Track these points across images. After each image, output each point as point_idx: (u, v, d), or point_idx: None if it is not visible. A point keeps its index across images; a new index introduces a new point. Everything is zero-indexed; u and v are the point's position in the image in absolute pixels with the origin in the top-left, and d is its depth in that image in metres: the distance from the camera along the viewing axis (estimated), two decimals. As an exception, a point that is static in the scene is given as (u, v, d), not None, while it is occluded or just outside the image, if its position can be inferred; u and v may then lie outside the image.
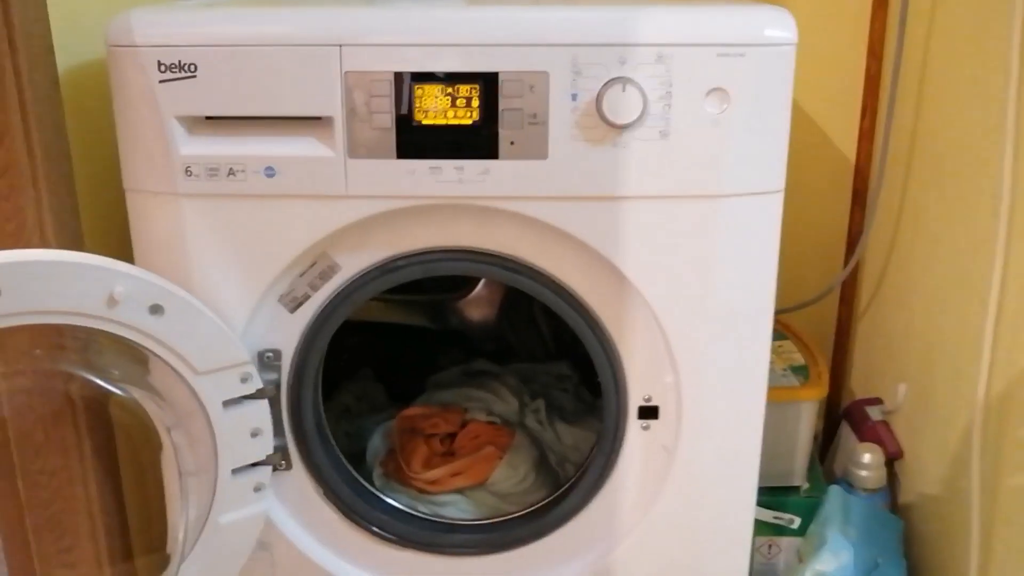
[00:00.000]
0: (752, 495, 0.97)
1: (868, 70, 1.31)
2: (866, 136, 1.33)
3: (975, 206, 1.03)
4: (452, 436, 1.12)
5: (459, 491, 1.07)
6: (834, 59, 1.32)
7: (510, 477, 1.07)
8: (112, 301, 0.78)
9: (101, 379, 0.82)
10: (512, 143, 0.82)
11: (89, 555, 0.94)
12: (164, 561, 0.93)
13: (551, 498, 0.99)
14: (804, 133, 1.34)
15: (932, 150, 1.17)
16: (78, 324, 0.77)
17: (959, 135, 1.09)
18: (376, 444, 1.14)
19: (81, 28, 0.93)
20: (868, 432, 1.26)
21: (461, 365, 1.25)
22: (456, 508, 1.06)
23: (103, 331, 0.79)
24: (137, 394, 0.83)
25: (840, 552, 1.06)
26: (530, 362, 1.26)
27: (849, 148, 1.35)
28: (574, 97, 0.81)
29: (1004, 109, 0.93)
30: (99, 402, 0.89)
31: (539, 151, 0.82)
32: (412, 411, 1.13)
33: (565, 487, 0.99)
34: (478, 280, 1.22)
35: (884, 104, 1.30)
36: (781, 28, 0.81)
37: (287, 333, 0.91)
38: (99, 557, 0.94)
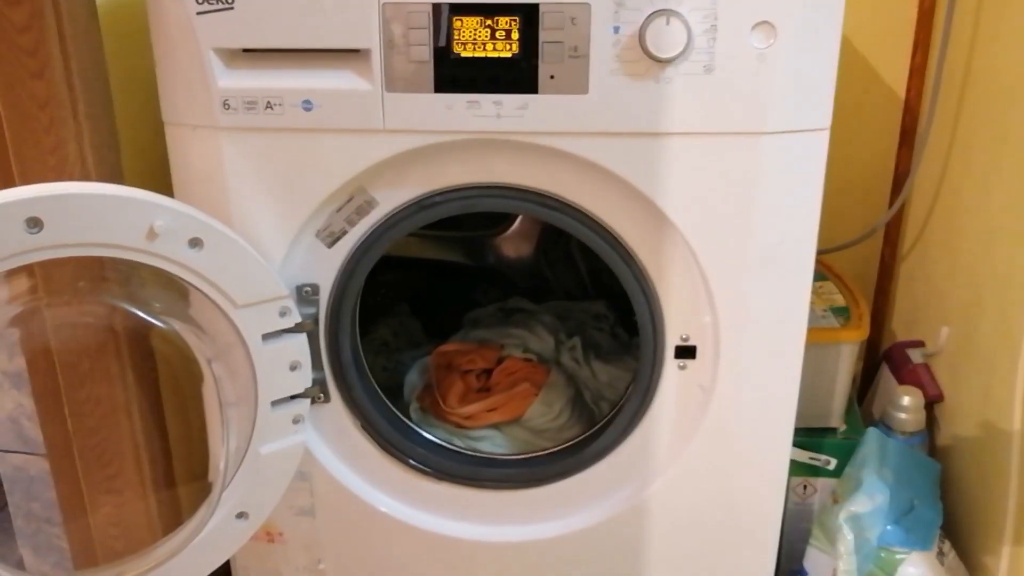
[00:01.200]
0: (788, 437, 0.96)
1: (921, 3, 1.27)
2: (917, 72, 1.29)
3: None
4: (488, 372, 1.12)
5: (495, 426, 1.08)
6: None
7: (545, 413, 1.08)
8: (152, 234, 0.78)
9: (143, 311, 0.83)
10: (552, 77, 0.81)
11: (133, 482, 0.96)
12: (206, 489, 0.95)
13: (586, 435, 1.00)
14: (852, 68, 1.31)
15: (986, 88, 1.13)
16: (119, 257, 0.78)
17: (1015, 74, 1.05)
18: (413, 379, 1.15)
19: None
20: (908, 375, 1.24)
21: (498, 302, 1.25)
22: (491, 443, 1.07)
23: (144, 264, 0.79)
24: (178, 326, 0.84)
25: (875, 494, 1.06)
26: (567, 300, 1.26)
27: (899, 84, 1.31)
28: (616, 30, 0.79)
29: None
30: (141, 333, 0.90)
31: (579, 86, 0.81)
32: (449, 347, 1.14)
33: (600, 424, 0.99)
34: (516, 217, 1.22)
35: (937, 39, 1.25)
36: (832, -42, 0.78)
37: (325, 268, 0.92)
38: (143, 484, 0.97)
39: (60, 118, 0.82)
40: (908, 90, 1.30)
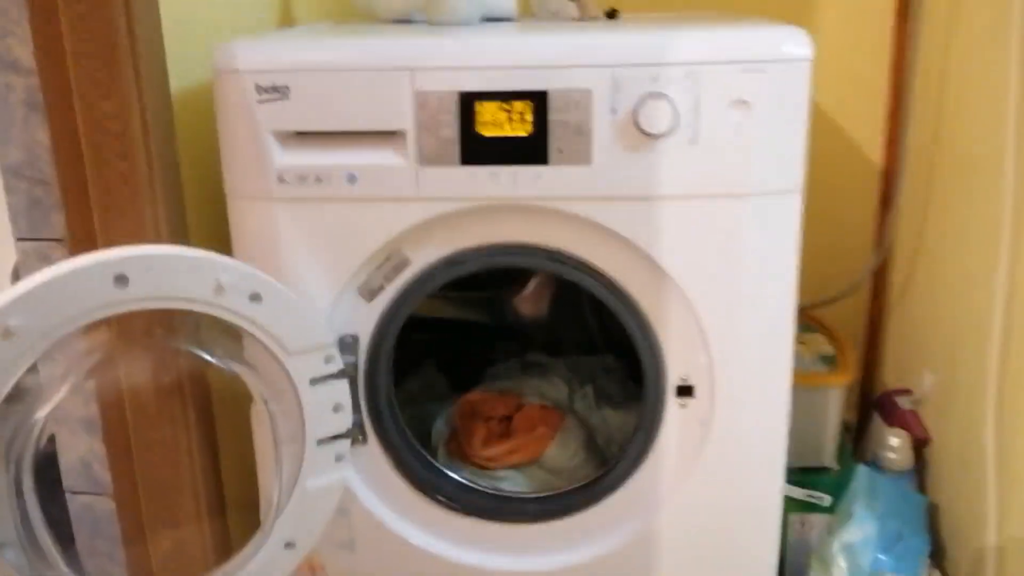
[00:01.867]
0: (781, 467, 1.07)
1: (893, 81, 1.41)
2: (892, 143, 1.42)
3: (993, 202, 1.12)
4: (508, 419, 1.23)
5: (515, 467, 1.18)
6: (859, 74, 1.42)
7: (561, 454, 1.18)
8: (219, 289, 0.91)
9: (210, 355, 0.95)
10: (560, 151, 0.94)
11: (190, 515, 1.07)
12: (254, 519, 1.06)
13: (601, 471, 1.10)
14: (833, 141, 1.44)
15: (953, 154, 1.26)
16: (190, 309, 0.91)
17: (976, 141, 1.18)
18: (440, 427, 1.26)
19: (184, 56, 1.07)
20: (897, 419, 1.34)
21: (516, 357, 1.37)
22: (512, 483, 1.17)
23: (209, 315, 0.92)
24: (238, 369, 0.96)
25: (865, 524, 1.15)
26: (579, 354, 1.37)
27: (876, 153, 1.44)
28: (613, 111, 0.93)
29: (1006, 114, 1.03)
30: (204, 376, 1.02)
31: (584, 158, 0.94)
32: (473, 396, 1.25)
33: (612, 461, 1.10)
34: (531, 277, 1.34)
35: (908, 114, 1.39)
36: (797, 45, 0.92)
37: (364, 320, 1.04)
38: (199, 516, 1.07)
39: (139, 192, 0.96)
40: (885, 157, 1.44)
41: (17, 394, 0.87)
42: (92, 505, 1.12)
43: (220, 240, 1.03)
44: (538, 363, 1.34)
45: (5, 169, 0.99)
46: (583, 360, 1.36)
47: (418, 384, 1.35)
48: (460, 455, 1.20)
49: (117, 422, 1.04)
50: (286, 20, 1.36)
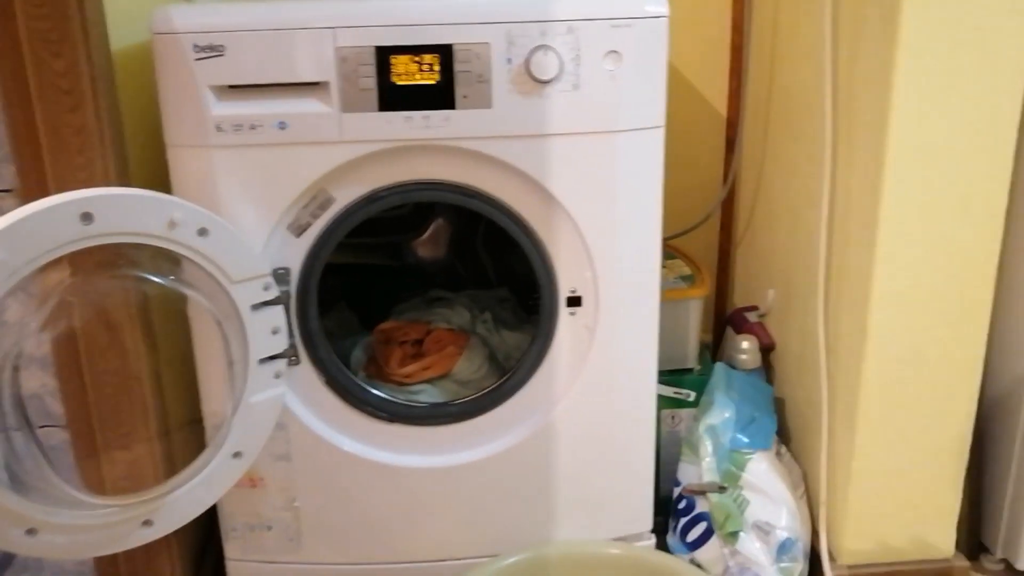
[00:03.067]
0: (654, 365, 1.27)
1: (733, 41, 1.64)
2: (734, 94, 1.66)
3: (816, 142, 1.36)
4: (419, 342, 1.39)
5: (429, 382, 1.35)
6: (705, 36, 1.65)
7: (468, 368, 1.36)
8: (172, 225, 1.03)
9: (167, 281, 1.07)
10: (465, 96, 1.11)
11: (142, 437, 1.18)
12: (196, 434, 1.19)
13: (503, 378, 1.28)
14: (685, 95, 1.67)
15: (783, 103, 1.50)
16: (147, 243, 1.03)
17: (799, 89, 1.42)
18: (358, 355, 1.41)
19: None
20: (746, 329, 1.59)
21: (420, 295, 1.53)
22: (427, 395, 1.34)
23: (162, 248, 1.04)
24: (193, 294, 1.09)
25: (725, 409, 1.38)
26: (476, 289, 1.55)
27: (721, 104, 1.68)
28: (509, 61, 1.10)
29: (823, 65, 1.26)
30: (147, 308, 1.13)
31: (485, 102, 1.11)
32: (387, 325, 1.41)
33: (515, 365, 1.28)
34: (431, 222, 1.50)
35: (746, 69, 1.63)
36: (657, 5, 1.12)
37: (294, 254, 1.18)
38: (149, 437, 1.19)
39: (90, 143, 1.06)
40: (728, 108, 1.67)
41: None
42: (45, 437, 1.21)
43: (158, 185, 1.14)
44: (441, 297, 1.51)
45: (-46, 126, 1.08)
46: (480, 293, 1.53)
47: (333, 322, 1.49)
48: (379, 377, 1.36)
49: (70, 357, 1.14)
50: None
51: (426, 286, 1.55)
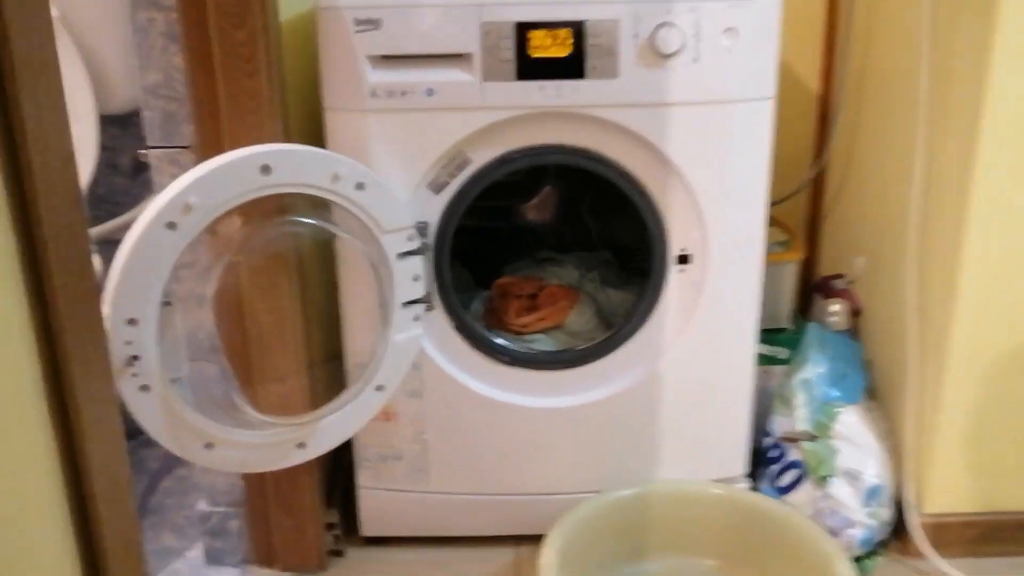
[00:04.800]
0: (755, 320, 1.38)
1: (828, 24, 1.73)
2: (828, 73, 1.75)
3: (907, 121, 1.45)
4: (533, 296, 1.51)
5: (543, 332, 1.47)
6: (801, 16, 1.74)
7: (579, 320, 1.47)
8: (335, 178, 1.17)
9: (328, 224, 1.21)
10: (594, 68, 1.22)
11: (292, 370, 1.32)
12: (335, 369, 1.32)
13: (617, 326, 1.39)
14: (782, 72, 1.75)
15: (875, 81, 1.59)
16: (314, 194, 1.16)
17: (892, 69, 1.51)
18: (476, 307, 1.53)
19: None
20: (834, 294, 1.68)
21: (529, 256, 1.65)
22: (542, 344, 1.46)
23: (317, 198, 1.17)
24: (357, 241, 1.22)
25: (818, 365, 1.48)
26: (581, 252, 1.66)
27: (815, 82, 1.77)
28: (635, 36, 1.21)
29: (920, 43, 1.35)
30: (300, 253, 1.27)
31: (612, 73, 1.22)
32: (504, 280, 1.53)
33: (626, 317, 1.39)
34: (542, 188, 1.62)
35: (841, 50, 1.72)
36: (772, -13, 1.22)
37: (433, 209, 1.31)
38: (299, 370, 1.33)
39: (262, 105, 1.20)
40: (822, 87, 1.76)
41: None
42: (201, 369, 1.36)
43: (311, 144, 1.28)
44: (550, 258, 1.63)
45: (144, 89, 1.22)
46: (585, 256, 1.65)
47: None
48: (497, 326, 1.48)
49: (234, 296, 1.28)
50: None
51: (534, 248, 1.67)
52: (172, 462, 1.71)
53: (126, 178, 1.93)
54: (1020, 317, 1.33)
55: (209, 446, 1.17)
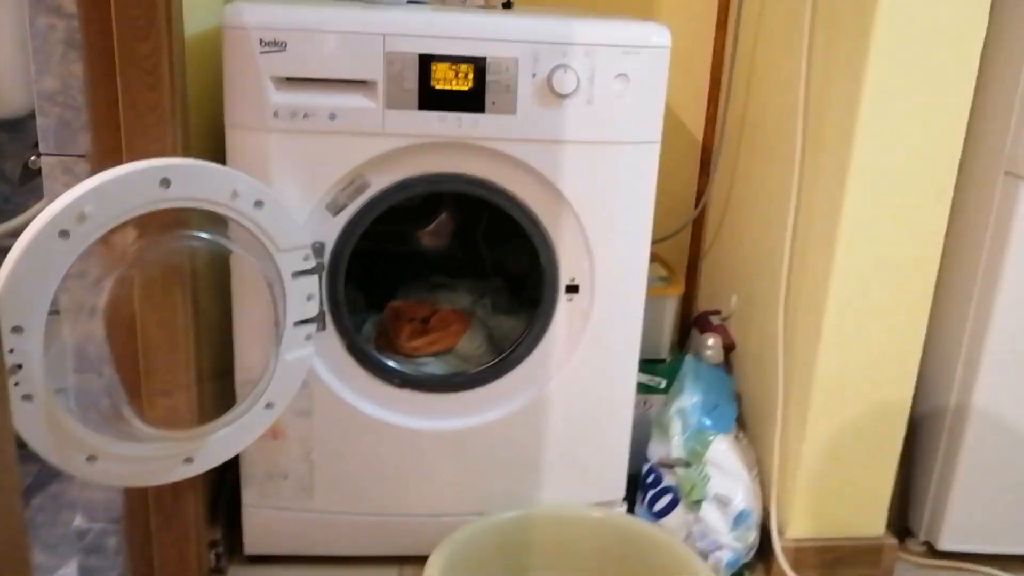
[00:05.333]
0: (637, 349, 1.45)
1: (712, 75, 1.84)
2: (711, 122, 1.85)
3: (782, 169, 1.56)
4: (426, 320, 1.55)
5: (435, 355, 1.50)
6: (687, 70, 1.84)
7: (471, 345, 1.52)
8: (235, 195, 1.18)
9: (223, 240, 1.22)
10: (494, 103, 1.28)
11: (182, 384, 1.32)
12: (224, 386, 1.32)
13: (507, 351, 1.44)
14: (666, 119, 1.85)
15: (754, 130, 1.70)
16: (213, 210, 1.17)
17: (771, 119, 1.62)
18: (368, 329, 1.56)
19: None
20: (710, 329, 1.77)
21: (423, 279, 1.68)
22: (432, 368, 1.49)
23: (212, 213, 1.18)
24: (252, 258, 1.23)
25: (693, 394, 1.56)
26: (474, 278, 1.71)
27: (698, 130, 1.87)
28: (533, 75, 1.27)
29: (796, 100, 1.46)
30: (193, 268, 1.27)
31: (511, 108, 1.28)
32: (398, 303, 1.56)
33: (516, 342, 1.44)
34: (437, 215, 1.66)
35: (723, 99, 1.83)
36: (661, 37, 1.30)
37: (330, 230, 1.33)
38: (188, 385, 1.32)
39: (163, 119, 1.20)
40: (704, 134, 1.87)
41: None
42: (88, 381, 1.33)
43: (211, 160, 1.28)
44: (443, 284, 1.66)
45: (40, 95, 1.21)
46: (478, 282, 1.69)
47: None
48: (388, 348, 1.51)
49: (126, 308, 1.27)
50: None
51: (428, 272, 1.71)
52: (45, 479, 1.66)
53: (11, 185, 1.87)
54: (876, 356, 1.44)
55: (92, 459, 1.15)
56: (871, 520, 1.55)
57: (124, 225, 1.14)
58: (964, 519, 1.54)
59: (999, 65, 1.37)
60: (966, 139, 1.35)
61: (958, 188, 1.39)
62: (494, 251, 1.72)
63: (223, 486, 1.54)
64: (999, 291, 1.41)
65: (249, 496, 1.44)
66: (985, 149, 1.41)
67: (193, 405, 1.33)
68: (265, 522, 1.45)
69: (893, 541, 1.56)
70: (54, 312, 1.09)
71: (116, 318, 1.29)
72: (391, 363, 1.43)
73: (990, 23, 1.30)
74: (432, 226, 1.69)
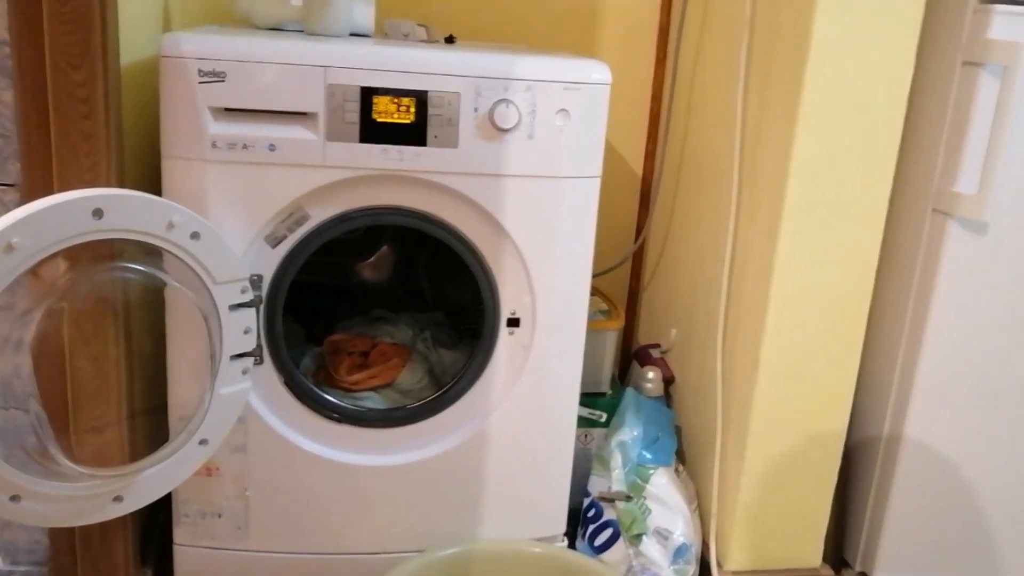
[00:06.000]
0: (577, 382, 1.45)
1: (651, 111, 1.87)
2: (650, 157, 1.88)
3: (719, 203, 1.58)
4: (365, 354, 1.53)
5: (374, 389, 1.49)
6: (626, 105, 1.87)
7: (410, 379, 1.50)
8: (170, 226, 1.16)
9: (158, 272, 1.19)
10: (436, 136, 1.28)
11: (112, 420, 1.28)
12: (156, 421, 1.29)
13: (447, 385, 1.43)
14: (607, 156, 1.88)
15: (692, 166, 1.73)
16: (148, 241, 1.14)
17: (707, 156, 1.65)
18: (307, 363, 1.53)
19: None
20: (650, 362, 1.78)
21: (363, 313, 1.67)
22: (372, 402, 1.47)
23: (146, 244, 1.16)
24: (187, 289, 1.20)
25: (633, 428, 1.57)
26: (414, 311, 1.70)
27: (638, 165, 1.90)
28: (475, 109, 1.28)
29: (733, 135, 1.49)
30: (127, 300, 1.24)
31: (452, 142, 1.28)
32: (336, 336, 1.54)
33: (456, 377, 1.43)
34: (378, 248, 1.65)
35: (662, 135, 1.86)
36: (602, 73, 1.32)
37: (268, 263, 1.31)
38: (119, 420, 1.28)
39: (97, 148, 1.18)
40: (644, 168, 1.89)
41: None
42: (14, 417, 1.29)
43: (146, 190, 1.26)
44: (383, 317, 1.65)
45: (-33, 122, 1.18)
46: (418, 315, 1.68)
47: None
48: (327, 383, 1.49)
49: (55, 342, 1.23)
50: (166, 26, 1.59)
51: (368, 305, 1.69)
52: (-35, 519, 1.59)
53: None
54: (812, 388, 1.47)
55: (15, 498, 1.11)
56: (808, 552, 1.57)
57: (54, 256, 1.11)
58: (898, 548, 1.57)
59: (927, 104, 1.42)
60: (896, 176, 1.40)
61: (889, 223, 1.43)
62: (435, 284, 1.71)
63: (154, 525, 1.50)
64: (928, 324, 1.44)
65: (181, 535, 1.40)
66: (914, 186, 1.46)
67: (124, 442, 1.30)
68: (198, 562, 1.41)
69: (830, 572, 1.58)
70: (-22, 346, 1.06)
71: (44, 352, 1.25)
72: (329, 397, 1.40)
73: (917, 64, 1.34)
74: (373, 258, 1.68)
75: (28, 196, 1.17)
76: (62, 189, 1.17)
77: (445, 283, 1.68)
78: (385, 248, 1.66)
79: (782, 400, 1.46)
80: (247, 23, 1.55)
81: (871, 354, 1.53)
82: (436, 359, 1.58)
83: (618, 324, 1.69)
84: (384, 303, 1.70)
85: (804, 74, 1.32)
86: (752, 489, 1.50)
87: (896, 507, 1.54)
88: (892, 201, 1.41)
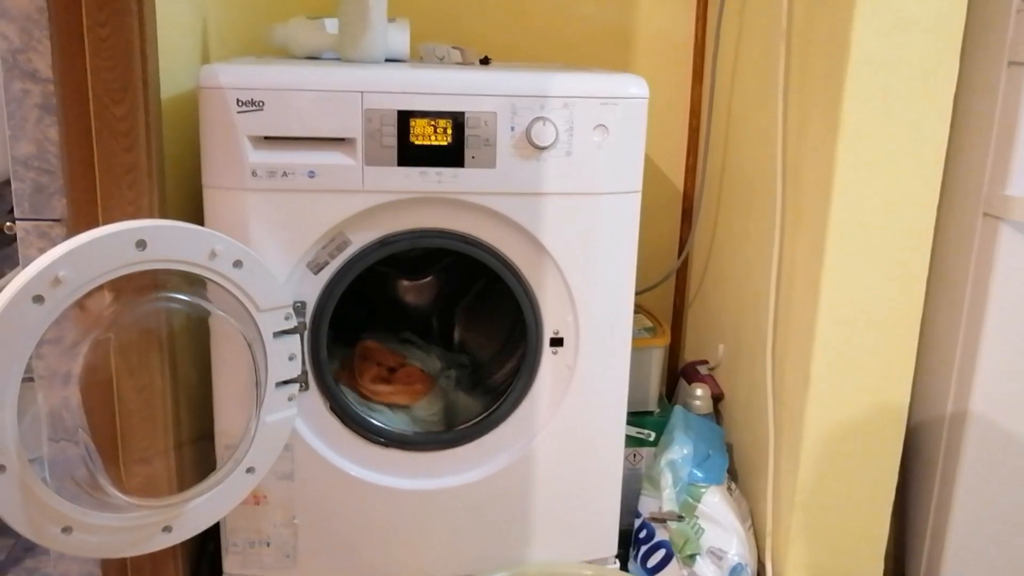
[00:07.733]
0: (624, 401, 1.43)
1: (690, 125, 1.85)
2: (690, 171, 1.86)
3: (767, 216, 1.56)
4: (392, 370, 1.52)
5: (390, 406, 1.47)
6: (665, 120, 1.86)
7: (427, 409, 1.49)
8: (213, 255, 1.16)
9: (202, 301, 1.20)
10: (473, 157, 1.27)
11: (160, 450, 1.29)
12: (202, 450, 1.29)
13: (492, 408, 1.41)
14: (647, 170, 1.86)
15: (734, 179, 1.71)
16: (191, 271, 1.15)
17: (750, 168, 1.63)
18: (334, 365, 1.52)
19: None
20: (697, 379, 1.76)
21: (392, 331, 1.66)
22: (384, 417, 1.45)
23: (200, 276, 1.17)
24: (233, 320, 1.21)
25: (683, 446, 1.54)
26: (442, 346, 1.68)
27: (679, 180, 1.88)
28: (512, 128, 1.27)
29: (774, 150, 1.47)
30: (172, 331, 1.25)
31: (490, 163, 1.28)
32: (371, 343, 1.54)
33: (502, 399, 1.41)
34: (428, 274, 1.64)
35: (702, 149, 1.84)
36: (639, 88, 1.31)
37: (311, 289, 1.31)
38: (166, 450, 1.29)
39: (139, 180, 1.19)
40: (685, 183, 1.87)
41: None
42: (66, 448, 1.30)
43: (189, 221, 1.27)
44: (411, 341, 1.64)
45: (15, 160, 1.20)
46: (446, 353, 1.66)
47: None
48: (348, 384, 1.47)
49: (102, 373, 1.25)
50: (204, 58, 1.61)
51: (399, 326, 1.68)
52: (20, 553, 1.61)
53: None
54: (866, 403, 1.43)
55: (67, 530, 1.11)
56: (868, 569, 1.52)
57: (100, 288, 1.13)
58: (962, 564, 1.52)
59: (972, 107, 1.39)
60: (944, 182, 1.36)
61: (938, 231, 1.39)
62: (468, 327, 1.70)
63: (203, 555, 1.50)
64: (983, 333, 1.40)
65: (230, 564, 1.40)
66: (963, 191, 1.42)
67: (172, 472, 1.30)
68: (248, 591, 1.41)
69: (891, 590, 1.53)
70: (28, 379, 1.07)
71: (92, 384, 1.26)
72: (375, 421, 1.40)
73: (961, 65, 1.31)
74: (416, 283, 1.68)
75: (74, 230, 1.19)
76: (107, 222, 1.18)
77: (477, 328, 1.67)
78: (432, 277, 1.66)
79: (835, 414, 1.43)
80: (284, 53, 1.57)
81: (924, 367, 1.49)
82: (454, 399, 1.56)
83: (664, 341, 1.67)
84: (415, 328, 1.69)
85: (844, 83, 1.29)
86: (807, 506, 1.46)
87: (958, 521, 1.49)
88: (941, 207, 1.37)
